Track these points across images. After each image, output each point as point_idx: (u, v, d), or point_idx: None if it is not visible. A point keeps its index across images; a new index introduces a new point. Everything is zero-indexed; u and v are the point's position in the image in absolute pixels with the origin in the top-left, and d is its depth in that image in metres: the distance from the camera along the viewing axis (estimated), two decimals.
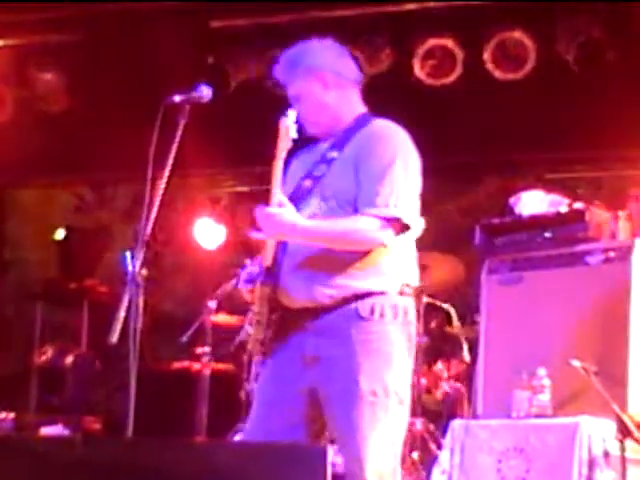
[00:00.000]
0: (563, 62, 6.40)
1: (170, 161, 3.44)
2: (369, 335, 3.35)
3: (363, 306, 3.36)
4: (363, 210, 3.38)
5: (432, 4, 6.30)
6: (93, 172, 8.33)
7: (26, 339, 8.22)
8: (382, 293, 3.38)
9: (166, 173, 3.44)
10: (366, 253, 3.40)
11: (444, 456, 4.71)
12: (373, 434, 3.30)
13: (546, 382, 4.55)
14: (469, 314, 5.95)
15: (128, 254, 3.35)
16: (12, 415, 6.79)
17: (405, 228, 3.41)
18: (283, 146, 3.44)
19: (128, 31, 6.55)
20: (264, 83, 6.44)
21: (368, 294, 3.37)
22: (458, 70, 6.47)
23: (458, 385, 6.35)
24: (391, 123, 3.54)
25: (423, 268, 6.20)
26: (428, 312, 6.37)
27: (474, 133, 6.89)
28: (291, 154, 3.56)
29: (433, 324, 6.48)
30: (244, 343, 3.59)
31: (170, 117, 3.47)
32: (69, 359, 7.35)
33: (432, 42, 6.45)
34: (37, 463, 2.62)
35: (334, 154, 3.47)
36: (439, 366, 6.43)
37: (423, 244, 7.09)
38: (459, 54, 6.42)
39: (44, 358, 7.37)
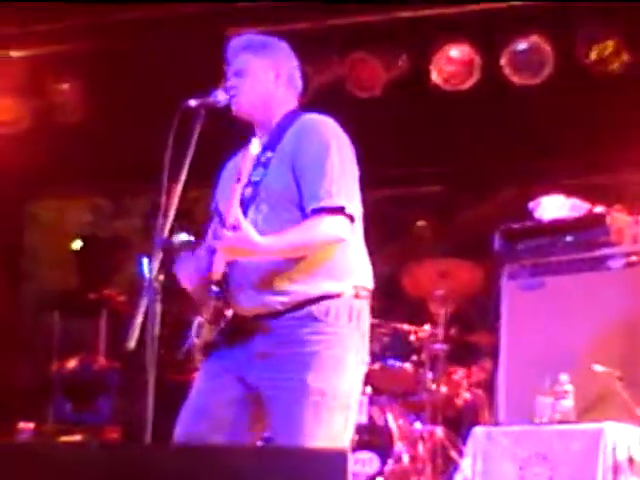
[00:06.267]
0: (581, 67, 6.36)
1: (186, 167, 3.42)
2: (322, 336, 3.30)
3: (318, 308, 3.31)
4: (310, 207, 3.33)
5: (449, 10, 6.27)
6: (110, 182, 8.35)
7: (44, 350, 8.22)
8: (338, 295, 3.33)
9: (182, 179, 3.43)
10: (313, 255, 3.34)
11: (466, 463, 4.67)
12: (314, 434, 3.23)
13: (569, 388, 4.51)
14: (489, 320, 5.90)
15: (145, 260, 3.33)
16: (31, 426, 6.79)
17: (350, 218, 3.36)
18: (247, 170, 3.36)
19: (144, 40, 6.55)
20: None
21: (323, 297, 3.32)
22: (476, 76, 6.44)
23: (479, 392, 6.31)
24: (318, 115, 3.52)
25: (443, 274, 6.28)
26: (448, 319, 6.33)
27: (492, 139, 6.86)
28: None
29: (453, 331, 6.43)
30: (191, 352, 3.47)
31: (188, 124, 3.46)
32: (88, 369, 7.34)
33: (449, 48, 6.42)
34: (54, 469, 2.59)
35: (269, 154, 3.43)
36: (459, 374, 6.39)
37: (442, 251, 7.11)
38: (477, 60, 6.39)
39: (63, 369, 7.36)
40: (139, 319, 3.20)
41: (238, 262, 3.37)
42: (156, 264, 3.29)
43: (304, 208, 3.37)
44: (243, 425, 3.39)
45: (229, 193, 3.34)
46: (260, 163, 3.45)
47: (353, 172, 3.45)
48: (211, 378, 3.45)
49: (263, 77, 3.53)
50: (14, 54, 6.82)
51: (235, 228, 3.24)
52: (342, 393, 3.30)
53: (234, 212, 3.25)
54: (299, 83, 3.64)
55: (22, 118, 7.09)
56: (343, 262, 3.39)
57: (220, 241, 3.27)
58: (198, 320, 3.43)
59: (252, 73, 3.52)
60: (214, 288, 3.39)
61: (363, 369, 3.42)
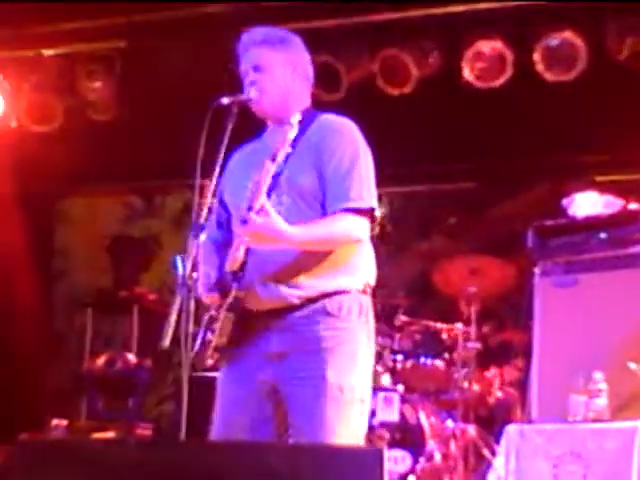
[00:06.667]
0: (614, 62, 6.31)
1: (218, 165, 3.43)
2: (335, 331, 3.36)
3: (331, 304, 3.37)
4: (338, 206, 3.38)
5: (481, 5, 6.23)
6: (142, 180, 8.38)
7: (77, 347, 8.27)
8: (348, 292, 3.40)
9: (215, 176, 3.43)
10: (333, 252, 3.40)
11: (499, 462, 4.64)
12: (337, 429, 3.28)
13: (603, 386, 4.47)
14: (521, 318, 5.87)
15: (178, 258, 3.33)
16: (64, 422, 6.82)
17: (375, 219, 3.45)
18: (283, 152, 3.34)
19: (176, 38, 6.55)
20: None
21: (336, 292, 3.38)
22: (508, 72, 6.39)
23: (511, 390, 6.28)
24: (337, 116, 3.56)
25: (474, 272, 6.26)
26: (480, 317, 6.31)
27: (525, 136, 6.82)
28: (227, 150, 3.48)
29: (485, 329, 6.40)
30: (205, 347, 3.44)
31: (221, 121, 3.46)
32: (120, 367, 7.37)
33: (481, 44, 6.37)
34: (90, 466, 2.60)
35: (288, 149, 3.40)
36: (492, 372, 6.36)
37: (474, 248, 7.07)
38: (509, 56, 6.34)
39: (95, 366, 7.40)
40: (173, 317, 3.20)
41: (257, 253, 3.38)
42: (190, 262, 3.29)
43: (326, 206, 3.41)
44: (273, 437, 3.42)
45: (250, 177, 3.35)
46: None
47: (373, 174, 3.50)
48: (233, 395, 3.47)
49: (281, 72, 3.54)
50: (46, 52, 6.84)
51: (260, 213, 3.24)
52: (357, 387, 3.36)
53: (262, 198, 3.25)
54: (312, 77, 3.66)
55: (54, 116, 7.11)
56: (359, 259, 3.46)
57: (248, 225, 3.27)
58: (211, 314, 3.42)
59: (271, 68, 3.53)
60: (230, 279, 3.40)
61: (371, 363, 3.48)
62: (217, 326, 3.39)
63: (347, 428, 3.31)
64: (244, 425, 3.41)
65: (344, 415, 3.31)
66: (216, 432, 3.48)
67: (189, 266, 3.29)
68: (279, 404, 3.41)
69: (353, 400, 3.34)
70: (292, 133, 3.32)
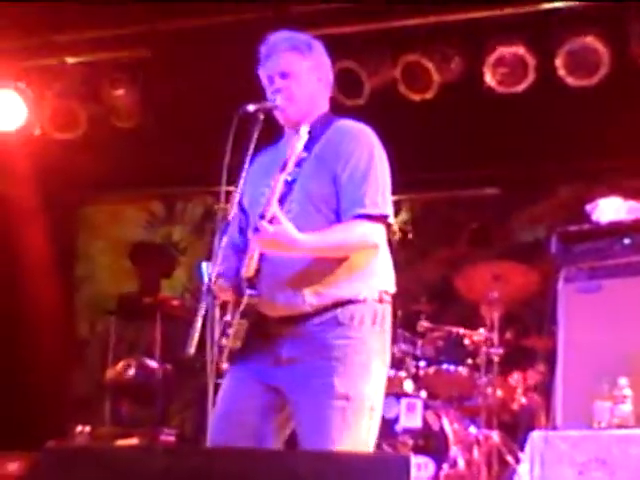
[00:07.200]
0: (637, 67, 6.29)
1: (243, 172, 3.44)
2: (347, 340, 3.34)
3: (343, 313, 3.36)
4: (352, 212, 3.38)
5: (502, 11, 6.22)
6: (164, 187, 8.41)
7: (100, 354, 8.30)
8: (363, 301, 3.38)
9: (240, 183, 3.44)
10: (348, 259, 3.39)
11: (523, 468, 4.62)
12: (341, 438, 3.26)
13: (627, 392, 4.45)
14: (545, 324, 5.85)
15: (204, 265, 3.34)
16: (88, 429, 6.85)
17: (389, 225, 3.44)
18: (293, 161, 3.34)
19: (199, 47, 6.57)
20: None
21: (349, 301, 3.37)
22: (530, 77, 6.37)
23: (535, 396, 6.26)
24: (353, 122, 3.56)
25: (497, 277, 6.24)
26: (503, 323, 6.29)
27: (548, 141, 6.81)
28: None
29: (508, 335, 6.39)
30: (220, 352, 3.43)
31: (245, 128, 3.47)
32: (139, 373, 7.39)
33: (503, 49, 6.36)
34: (116, 473, 2.61)
35: (303, 155, 3.41)
36: (515, 377, 6.34)
37: (497, 254, 7.05)
38: (531, 61, 6.32)
39: (118, 373, 7.42)
40: (199, 324, 3.21)
41: (272, 260, 3.38)
42: (215, 269, 3.30)
43: (340, 212, 3.41)
44: (269, 432, 3.43)
45: (267, 183, 3.36)
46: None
47: (388, 178, 3.50)
48: (236, 384, 3.48)
49: (307, 79, 3.55)
50: (70, 60, 6.88)
51: (273, 221, 3.25)
52: (367, 397, 3.34)
53: (273, 206, 3.26)
54: (332, 83, 3.67)
55: (78, 124, 7.14)
56: (375, 266, 3.45)
57: (260, 233, 3.28)
58: (225, 320, 3.43)
59: (299, 75, 3.53)
60: (245, 285, 3.41)
61: (386, 371, 3.46)
62: (231, 331, 3.40)
63: (353, 437, 3.29)
64: (239, 420, 3.41)
65: (350, 424, 3.29)
66: (212, 423, 3.44)
67: (214, 271, 3.30)
68: (284, 412, 3.42)
69: (362, 409, 3.32)
70: (300, 144, 3.31)
